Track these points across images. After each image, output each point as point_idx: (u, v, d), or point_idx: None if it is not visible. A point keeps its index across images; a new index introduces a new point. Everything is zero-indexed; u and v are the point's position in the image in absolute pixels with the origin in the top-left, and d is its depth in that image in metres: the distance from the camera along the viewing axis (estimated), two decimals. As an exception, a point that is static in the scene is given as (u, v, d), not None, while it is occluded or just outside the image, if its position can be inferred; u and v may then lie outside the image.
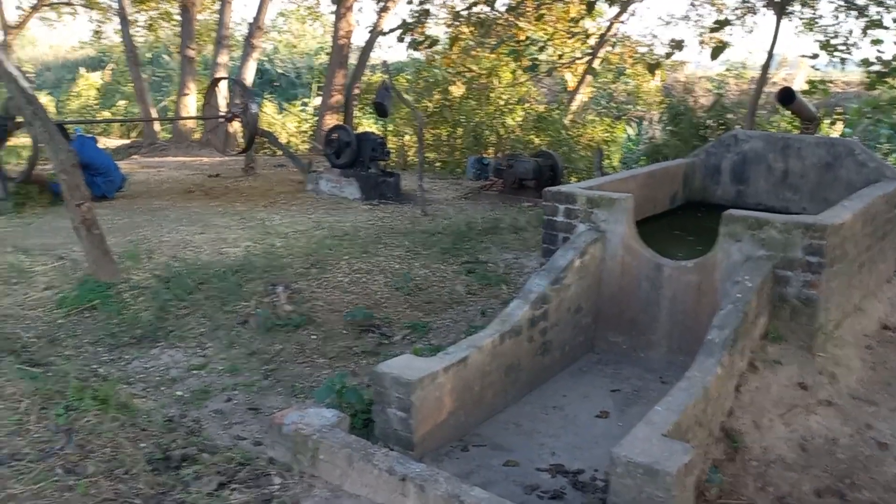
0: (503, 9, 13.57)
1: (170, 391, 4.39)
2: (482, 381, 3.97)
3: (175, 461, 3.32)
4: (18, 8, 20.95)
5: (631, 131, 17.57)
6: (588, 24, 15.72)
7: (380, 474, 3.03)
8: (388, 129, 15.79)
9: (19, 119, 8.56)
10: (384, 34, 15.03)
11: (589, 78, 16.27)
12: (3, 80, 6.19)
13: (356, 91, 15.42)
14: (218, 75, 13.52)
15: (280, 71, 26.04)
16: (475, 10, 13.26)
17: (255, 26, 15.50)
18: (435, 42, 13.34)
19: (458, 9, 14.51)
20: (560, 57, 16.22)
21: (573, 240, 4.84)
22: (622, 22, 15.68)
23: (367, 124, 16.83)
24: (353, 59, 16.57)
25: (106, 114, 22.61)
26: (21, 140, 11.88)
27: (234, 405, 4.26)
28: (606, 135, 15.15)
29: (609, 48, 16.34)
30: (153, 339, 5.17)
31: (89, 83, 24.68)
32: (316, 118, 17.05)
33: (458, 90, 15.23)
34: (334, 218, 8.88)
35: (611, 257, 4.85)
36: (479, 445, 3.77)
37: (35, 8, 20.43)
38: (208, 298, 5.79)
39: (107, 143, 16.34)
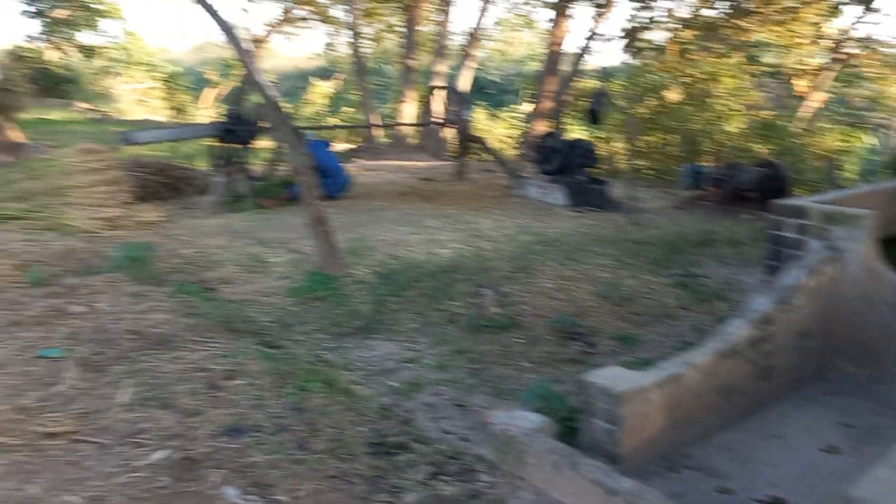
0: (731, 11, 12.85)
1: (385, 381, 4.64)
2: (695, 400, 3.79)
3: (390, 447, 3.52)
4: (265, 25, 23.38)
5: (872, 140, 15.87)
6: (829, 25, 14.44)
7: (587, 485, 3.00)
8: (599, 135, 15.60)
9: (264, 124, 9.53)
10: (604, 40, 14.88)
11: (823, 83, 14.96)
12: (253, 88, 6.92)
13: (567, 97, 15.40)
14: (435, 84, 14.13)
15: (492, 78, 26.67)
16: (701, 13, 12.69)
17: (473, 36, 16.01)
18: (660, 49, 12.96)
19: (680, 13, 13.98)
20: (800, 62, 15.05)
21: (804, 258, 4.48)
22: (871, 23, 14.27)
23: (578, 130, 16.74)
24: (563, 65, 16.57)
25: (333, 120, 24.51)
26: (262, 143, 13.18)
27: (442, 399, 4.42)
28: (842, 144, 13.81)
29: (852, 50, 14.90)
30: (371, 331, 5.50)
31: (320, 91, 26.91)
32: (525, 124, 17.26)
33: (674, 95, 14.68)
34: (541, 223, 8.92)
35: (847, 279, 4.42)
36: (689, 468, 3.60)
37: (279, 23, 22.67)
38: (420, 296, 6.06)
39: (333, 146, 17.68)
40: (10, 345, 4.29)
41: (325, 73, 29.53)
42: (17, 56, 25.37)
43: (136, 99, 29.64)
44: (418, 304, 5.92)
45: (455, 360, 5.02)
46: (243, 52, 6.53)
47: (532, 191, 10.59)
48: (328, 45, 24.40)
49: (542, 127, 14.66)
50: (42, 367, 3.98)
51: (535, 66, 21.15)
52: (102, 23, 27.54)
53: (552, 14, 15.65)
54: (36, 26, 26.69)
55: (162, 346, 4.43)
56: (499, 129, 19.28)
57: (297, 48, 30.52)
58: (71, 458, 3.14)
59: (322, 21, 23.02)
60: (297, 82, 31.96)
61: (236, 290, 6.22)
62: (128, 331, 4.54)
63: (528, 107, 18.75)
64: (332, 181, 10.21)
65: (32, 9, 26.01)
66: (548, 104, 15.31)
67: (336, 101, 27.19)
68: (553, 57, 15.46)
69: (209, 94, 29.27)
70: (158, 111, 29.26)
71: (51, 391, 3.69)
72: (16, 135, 13.06)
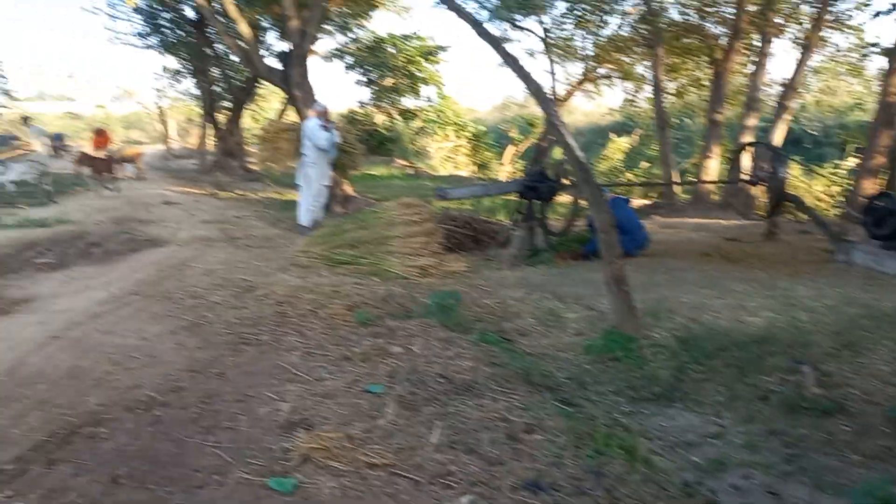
0: None
1: (686, 454, 4.37)
2: None
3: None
4: (566, 83, 24.14)
5: None
6: None
7: None
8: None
9: (565, 181, 9.76)
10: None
11: None
12: (560, 147, 7.11)
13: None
14: (744, 138, 13.36)
15: (808, 130, 24.55)
16: None
17: (790, 87, 14.91)
18: None
19: None
20: None
21: None
22: None
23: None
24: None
25: (630, 175, 24.36)
26: (560, 198, 13.49)
27: (751, 483, 4.03)
28: None
29: None
30: (670, 399, 5.23)
31: (618, 146, 26.97)
32: (850, 181, 15.52)
33: None
34: (871, 295, 7.83)
35: None
36: None
37: (581, 82, 23.26)
38: (726, 366, 5.64)
39: (631, 202, 17.50)
40: (341, 378, 4.83)
41: (622, 128, 29.58)
42: (351, 119, 29.28)
43: (444, 156, 32.36)
44: (724, 376, 5.51)
45: (767, 442, 4.56)
46: (553, 113, 6.77)
47: (859, 257, 9.41)
48: (628, 100, 24.36)
49: (870, 185, 13.04)
50: (366, 400, 4.41)
51: (861, 117, 18.95)
52: (423, 88, 30.68)
53: (885, 60, 14.00)
54: (367, 93, 30.63)
55: (467, 392, 4.65)
56: (816, 187, 17.55)
57: (594, 103, 30.91)
58: (389, 490, 3.40)
59: (623, 78, 23.14)
60: (593, 137, 32.44)
61: (533, 342, 6.35)
62: (438, 374, 4.86)
63: (852, 162, 16.84)
64: (630, 238, 10.07)
65: (365, 79, 29.93)
66: (879, 159, 13.59)
67: (633, 157, 27.02)
68: (887, 107, 13.73)
69: (509, 151, 30.91)
70: (463, 167, 31.61)
71: (373, 424, 4.06)
72: (348, 189, 14.98)
